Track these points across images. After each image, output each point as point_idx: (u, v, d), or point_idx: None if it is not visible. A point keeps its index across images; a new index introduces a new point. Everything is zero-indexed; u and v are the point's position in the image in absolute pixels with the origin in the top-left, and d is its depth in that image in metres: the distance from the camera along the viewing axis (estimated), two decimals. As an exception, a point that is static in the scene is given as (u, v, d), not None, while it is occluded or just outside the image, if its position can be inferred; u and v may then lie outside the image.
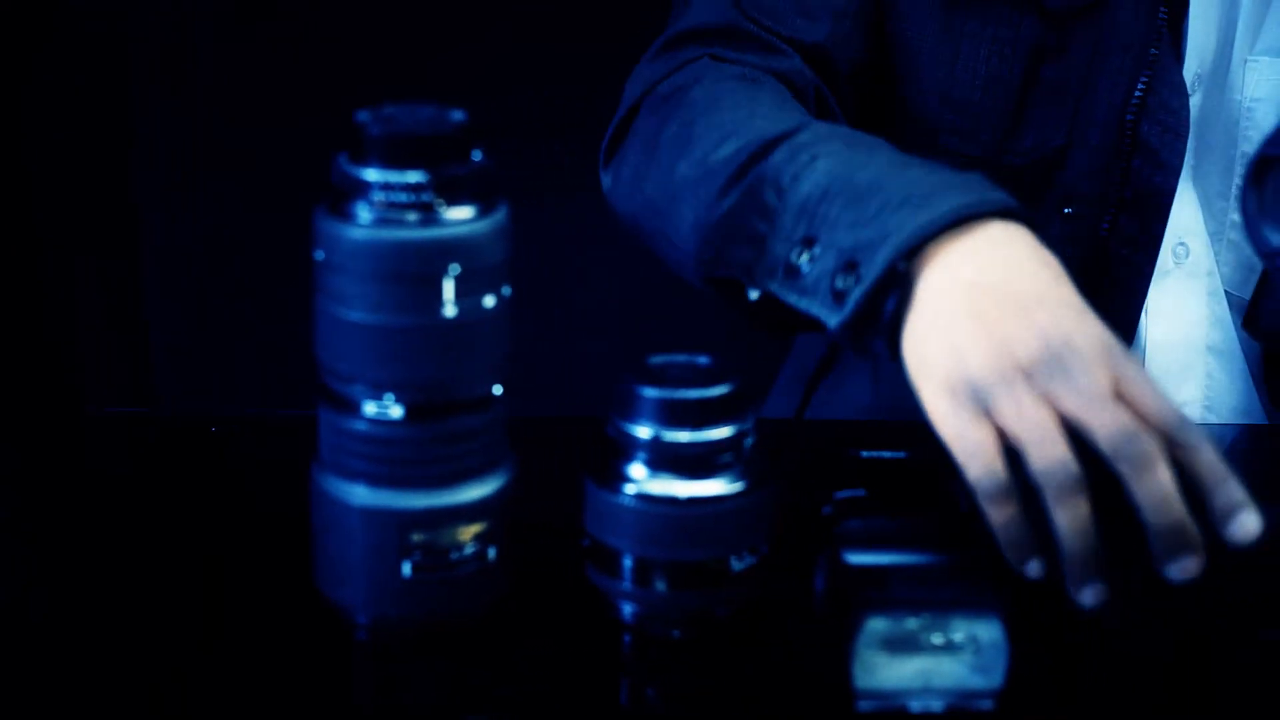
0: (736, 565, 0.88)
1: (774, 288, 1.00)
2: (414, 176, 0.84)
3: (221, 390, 2.15)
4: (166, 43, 2.09)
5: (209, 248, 2.14)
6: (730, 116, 1.10)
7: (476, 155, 0.86)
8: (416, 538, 0.87)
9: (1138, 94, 1.19)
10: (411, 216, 0.84)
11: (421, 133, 0.84)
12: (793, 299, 0.99)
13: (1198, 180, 1.25)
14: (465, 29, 2.12)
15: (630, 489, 0.88)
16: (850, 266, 0.95)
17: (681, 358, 0.90)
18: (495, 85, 2.04)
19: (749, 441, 0.89)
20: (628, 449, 0.88)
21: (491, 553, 0.88)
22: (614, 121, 1.22)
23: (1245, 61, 1.22)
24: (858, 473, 0.91)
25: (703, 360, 0.89)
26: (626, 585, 0.89)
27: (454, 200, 0.84)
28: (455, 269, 0.84)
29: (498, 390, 0.88)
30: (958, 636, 0.83)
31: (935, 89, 1.23)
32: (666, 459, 0.87)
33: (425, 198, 0.84)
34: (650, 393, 0.87)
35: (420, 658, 0.89)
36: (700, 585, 0.88)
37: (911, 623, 0.83)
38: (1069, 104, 1.21)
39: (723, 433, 0.87)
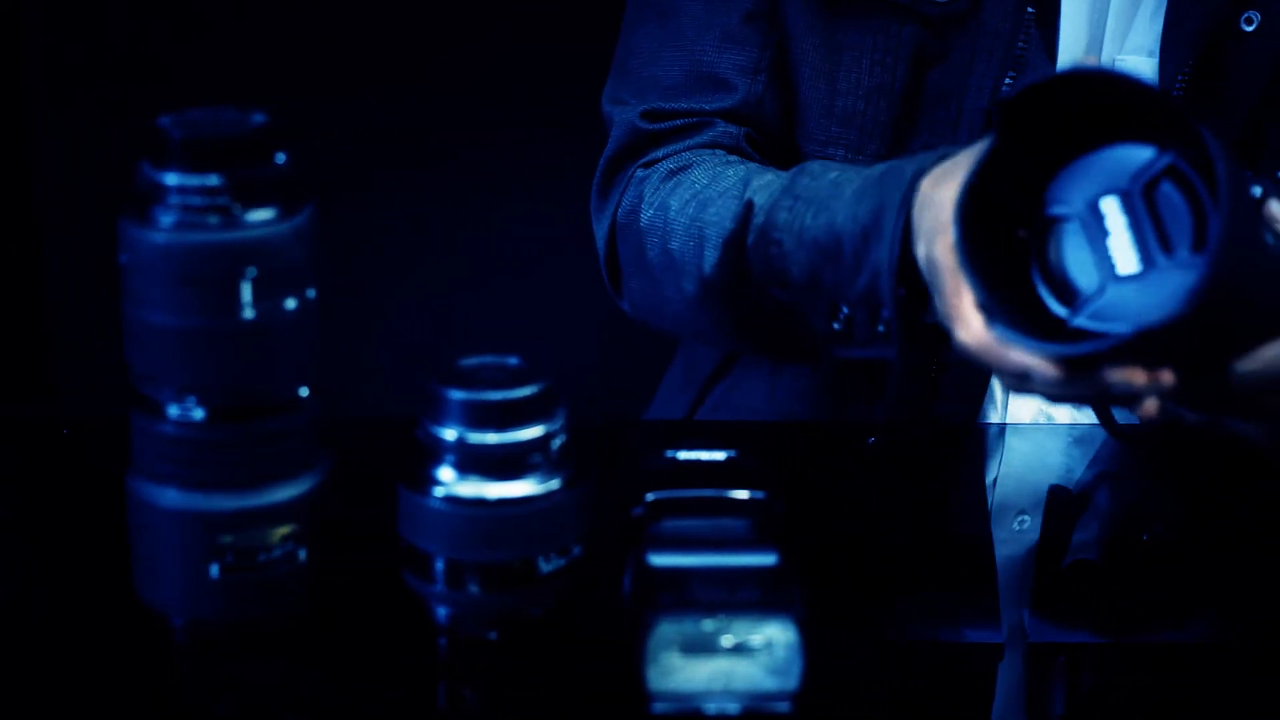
0: (545, 566, 0.88)
1: (840, 354, 1.10)
2: (210, 180, 0.84)
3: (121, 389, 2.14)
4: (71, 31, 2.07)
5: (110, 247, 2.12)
6: (687, 223, 1.19)
7: (280, 158, 0.86)
8: (225, 539, 0.87)
9: (1004, 91, 1.19)
10: (211, 220, 0.84)
11: (219, 136, 0.85)
12: (858, 354, 1.09)
13: None
14: (465, 28, 2.12)
15: (439, 491, 0.88)
16: (873, 308, 1.06)
17: (492, 360, 0.89)
18: (495, 85, 2.04)
19: (558, 442, 0.88)
20: (436, 452, 0.88)
21: (302, 554, 0.88)
22: (600, 256, 1.29)
23: (1115, 60, 1.22)
24: (676, 474, 0.91)
25: (512, 362, 0.89)
26: (439, 588, 0.89)
27: (253, 203, 0.84)
28: (253, 271, 0.84)
29: (304, 392, 0.88)
30: (752, 639, 0.83)
31: (818, 102, 1.23)
32: (473, 461, 0.87)
33: (222, 201, 0.84)
34: (456, 395, 0.87)
35: (237, 660, 0.89)
36: (510, 587, 0.88)
37: (706, 625, 0.83)
38: (953, 108, 1.21)
39: (529, 434, 0.87)
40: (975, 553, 1.04)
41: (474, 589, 0.88)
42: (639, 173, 1.25)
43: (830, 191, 1.11)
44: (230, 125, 0.85)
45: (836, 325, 1.09)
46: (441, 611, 0.90)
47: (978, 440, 1.18)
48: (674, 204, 1.20)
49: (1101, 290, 0.93)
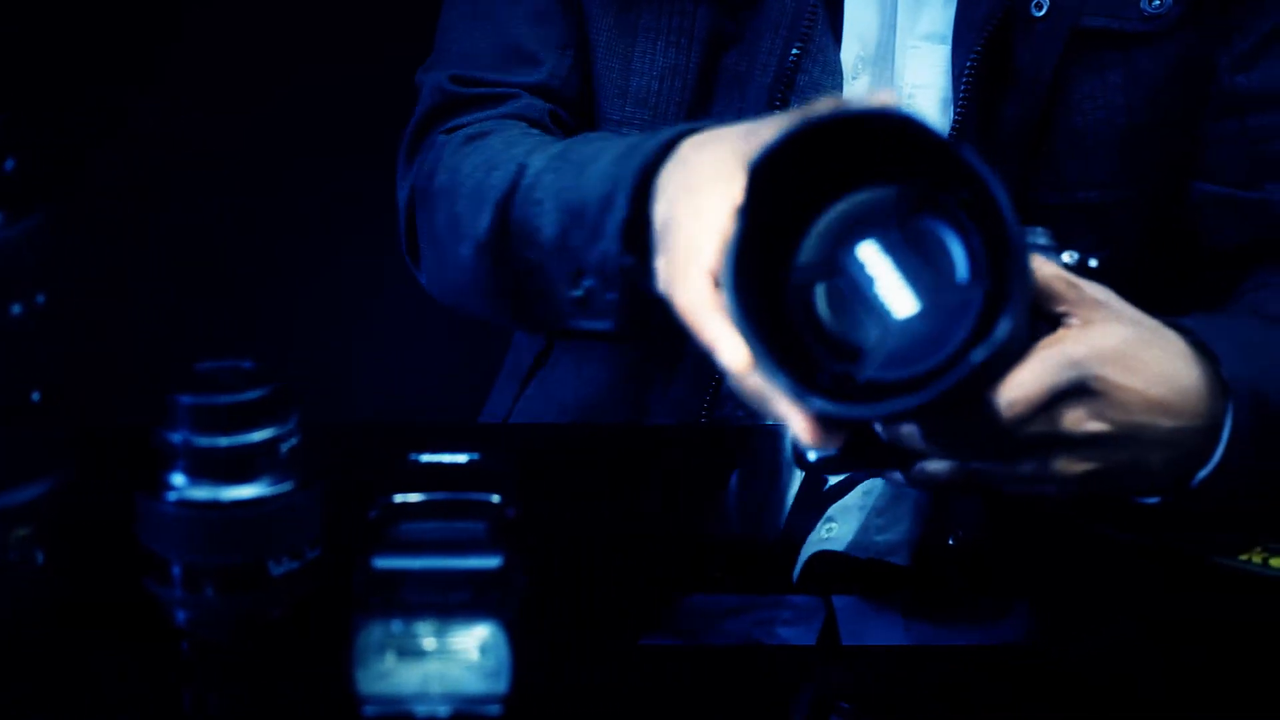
0: (276, 569, 0.88)
1: (575, 324, 1.09)
2: (-68, 186, 0.84)
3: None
4: None
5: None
6: (474, 186, 1.18)
7: (9, 164, 0.87)
8: (-41, 543, 0.87)
9: (788, 73, 1.19)
10: (-64, 226, 0.85)
11: (-59, 142, 0.85)
12: (591, 325, 1.08)
13: None
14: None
15: (172, 496, 0.88)
16: (608, 276, 1.05)
17: (228, 363, 0.90)
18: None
19: (289, 444, 0.89)
20: (169, 456, 0.88)
21: (39, 557, 0.89)
22: (401, 224, 1.29)
23: (907, 48, 1.22)
24: (415, 476, 0.91)
25: (246, 365, 0.90)
26: (177, 592, 0.89)
27: (-23, 209, 0.85)
28: (-25, 277, 0.85)
29: (35, 397, 0.88)
30: (460, 642, 0.83)
31: (613, 83, 1.24)
32: (203, 465, 0.88)
33: (-56, 207, 0.85)
34: (184, 399, 0.88)
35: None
36: (243, 590, 0.88)
37: (415, 628, 0.83)
38: (747, 89, 1.22)
39: (258, 437, 0.88)
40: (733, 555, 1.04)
41: (209, 592, 0.88)
42: (440, 138, 1.26)
43: (593, 155, 1.10)
44: (-48, 133, 0.86)
45: (578, 292, 1.07)
46: (180, 615, 0.90)
47: (768, 442, 1.17)
48: (465, 168, 1.20)
49: (883, 339, 0.89)
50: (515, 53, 1.27)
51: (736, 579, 1.04)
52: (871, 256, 0.89)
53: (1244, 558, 1.02)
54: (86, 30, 2.07)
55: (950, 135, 1.19)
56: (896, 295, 0.89)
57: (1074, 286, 0.95)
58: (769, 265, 0.90)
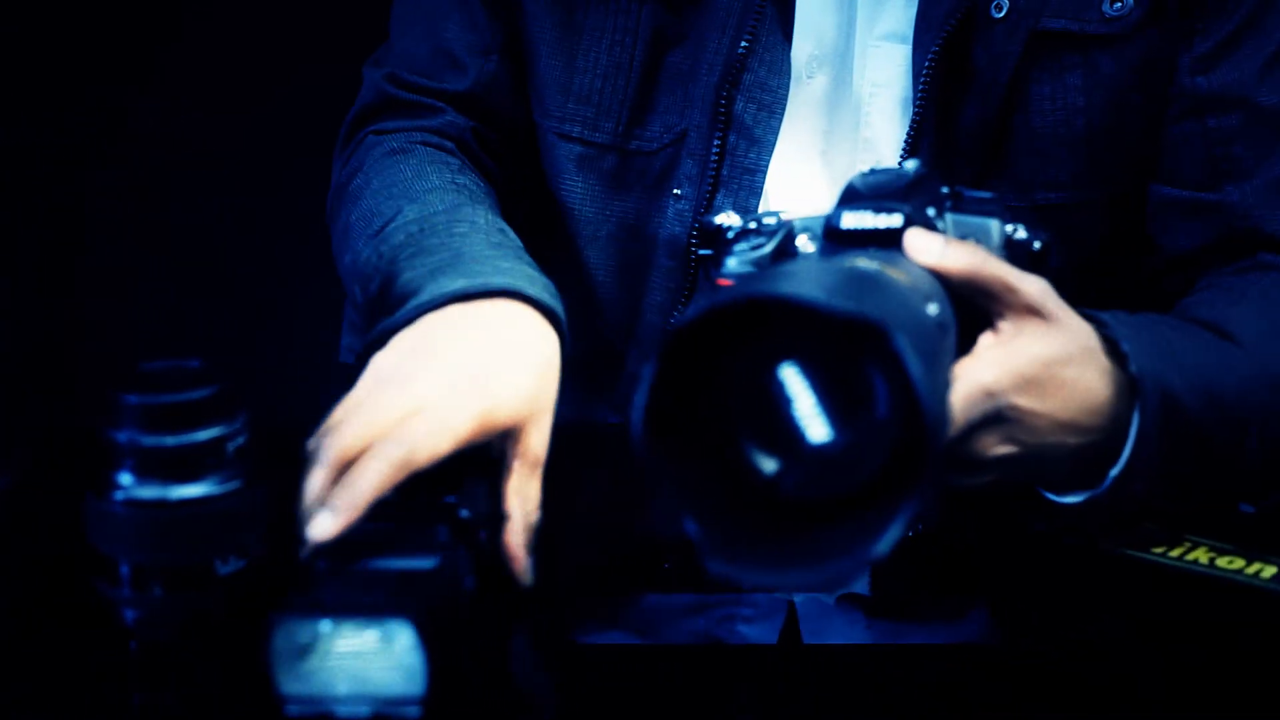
0: (222, 568, 0.88)
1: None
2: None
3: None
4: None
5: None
6: (368, 207, 1.21)
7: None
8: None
9: (734, 72, 1.19)
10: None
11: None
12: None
13: (828, 163, 1.25)
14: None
15: (120, 495, 0.88)
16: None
17: (174, 363, 0.90)
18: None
19: (236, 444, 0.88)
20: (116, 456, 0.88)
21: (-12, 559, 0.89)
22: (327, 210, 1.31)
23: (867, 47, 1.21)
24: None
25: (193, 364, 0.89)
26: (125, 591, 0.89)
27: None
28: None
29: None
30: (375, 642, 0.83)
31: (556, 81, 1.25)
32: (151, 464, 0.88)
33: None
34: (130, 399, 0.87)
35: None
36: (189, 588, 0.88)
37: (325, 626, 0.83)
38: (692, 89, 1.22)
39: (203, 435, 0.87)
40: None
41: (157, 591, 0.88)
42: (371, 138, 1.29)
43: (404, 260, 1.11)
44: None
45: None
46: (129, 615, 0.90)
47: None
48: (375, 183, 1.23)
49: (795, 460, 0.85)
50: (446, 57, 1.29)
51: (689, 575, 1.04)
52: (792, 379, 0.86)
53: (1158, 551, 1.02)
54: (86, 30, 2.08)
55: (908, 137, 1.19)
56: (812, 421, 0.86)
57: (1011, 291, 0.95)
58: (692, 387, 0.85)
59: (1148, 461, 0.99)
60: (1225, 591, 0.98)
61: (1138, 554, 1.02)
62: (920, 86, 1.18)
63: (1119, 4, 1.19)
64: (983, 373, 0.94)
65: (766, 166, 1.21)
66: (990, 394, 0.94)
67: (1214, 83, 1.21)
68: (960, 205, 0.98)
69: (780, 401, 0.85)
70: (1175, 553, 1.02)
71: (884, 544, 0.81)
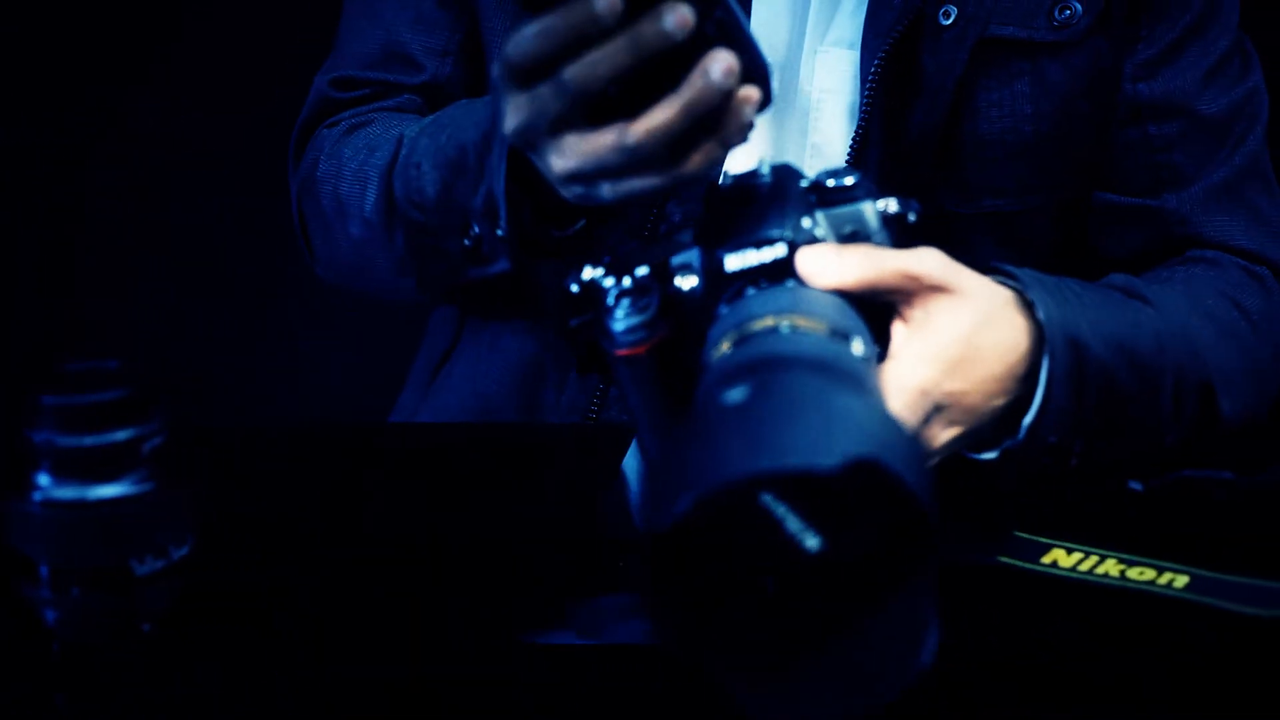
0: (140, 569, 0.88)
1: (475, 274, 1.09)
2: None
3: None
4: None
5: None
6: (356, 167, 1.20)
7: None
8: None
9: None
10: None
11: None
12: (486, 272, 1.10)
13: None
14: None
15: (38, 496, 0.88)
16: (494, 217, 1.06)
17: (92, 363, 0.89)
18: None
19: (152, 444, 0.88)
20: (33, 457, 0.88)
21: (-91, 561, 0.89)
22: (295, 220, 1.32)
23: (816, 52, 1.20)
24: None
25: (110, 364, 0.89)
26: (45, 592, 0.89)
27: None
28: None
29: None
30: None
31: None
32: (68, 464, 0.87)
33: None
34: (47, 400, 0.87)
35: None
36: (108, 590, 0.88)
37: None
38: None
39: (120, 436, 0.87)
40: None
41: (76, 593, 0.88)
42: (325, 132, 1.29)
43: (464, 112, 1.13)
44: None
45: (468, 242, 1.08)
46: (50, 616, 0.90)
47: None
48: (347, 152, 1.23)
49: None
50: (399, 56, 1.29)
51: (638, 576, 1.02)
52: (775, 504, 0.80)
53: (1047, 560, 1.00)
54: (86, 30, 2.08)
55: (854, 142, 1.18)
56: (804, 534, 0.80)
57: (912, 279, 0.93)
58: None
59: (1059, 408, 0.99)
60: (1142, 605, 0.96)
61: (1045, 570, 1.00)
62: (867, 92, 1.17)
63: (1067, 11, 1.18)
64: (910, 375, 0.93)
65: (718, 175, 1.20)
66: (925, 393, 0.93)
67: (1155, 90, 1.20)
68: (826, 199, 0.95)
69: (770, 522, 0.80)
70: (1085, 566, 1.00)
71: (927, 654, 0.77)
